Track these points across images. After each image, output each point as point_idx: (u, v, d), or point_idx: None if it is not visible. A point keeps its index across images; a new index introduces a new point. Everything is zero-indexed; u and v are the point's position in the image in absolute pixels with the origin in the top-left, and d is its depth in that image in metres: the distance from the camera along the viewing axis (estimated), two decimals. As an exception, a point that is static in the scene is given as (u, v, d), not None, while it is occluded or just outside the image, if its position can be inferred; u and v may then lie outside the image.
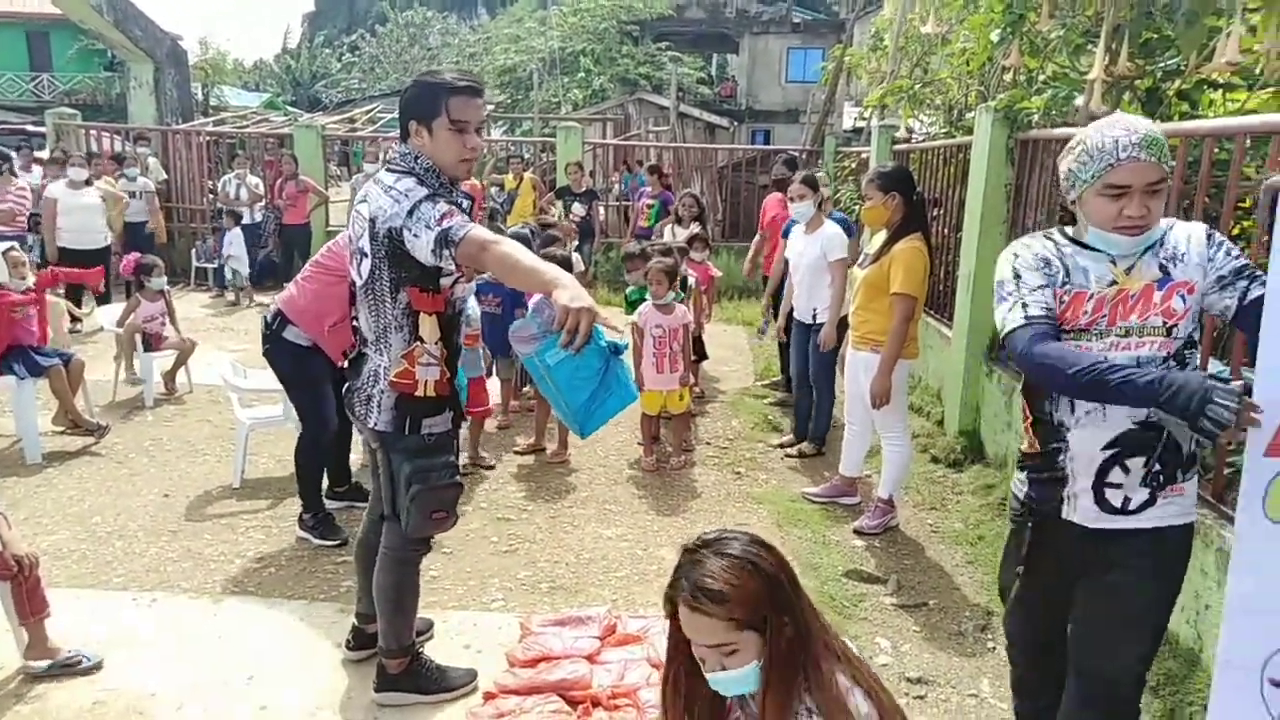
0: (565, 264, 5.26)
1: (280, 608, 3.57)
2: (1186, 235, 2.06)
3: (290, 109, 23.88)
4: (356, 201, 2.75)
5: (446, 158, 2.60)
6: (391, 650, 2.93)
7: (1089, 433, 2.08)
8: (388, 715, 2.92)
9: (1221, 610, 2.82)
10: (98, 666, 3.10)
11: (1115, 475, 2.08)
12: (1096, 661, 2.18)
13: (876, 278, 4.21)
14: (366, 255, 2.62)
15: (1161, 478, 2.06)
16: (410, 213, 2.45)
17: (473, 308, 4.60)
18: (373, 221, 2.57)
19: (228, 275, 10.11)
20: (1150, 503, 2.08)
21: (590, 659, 3.14)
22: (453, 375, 2.78)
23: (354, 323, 2.82)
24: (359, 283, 2.70)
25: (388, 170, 2.65)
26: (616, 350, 2.38)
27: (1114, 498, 2.09)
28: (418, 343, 2.66)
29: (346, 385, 2.86)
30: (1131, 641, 2.16)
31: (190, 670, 3.12)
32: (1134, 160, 1.95)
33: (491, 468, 5.13)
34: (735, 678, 1.66)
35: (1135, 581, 2.11)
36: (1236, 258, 2.02)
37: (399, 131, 2.68)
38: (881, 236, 4.29)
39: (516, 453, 5.38)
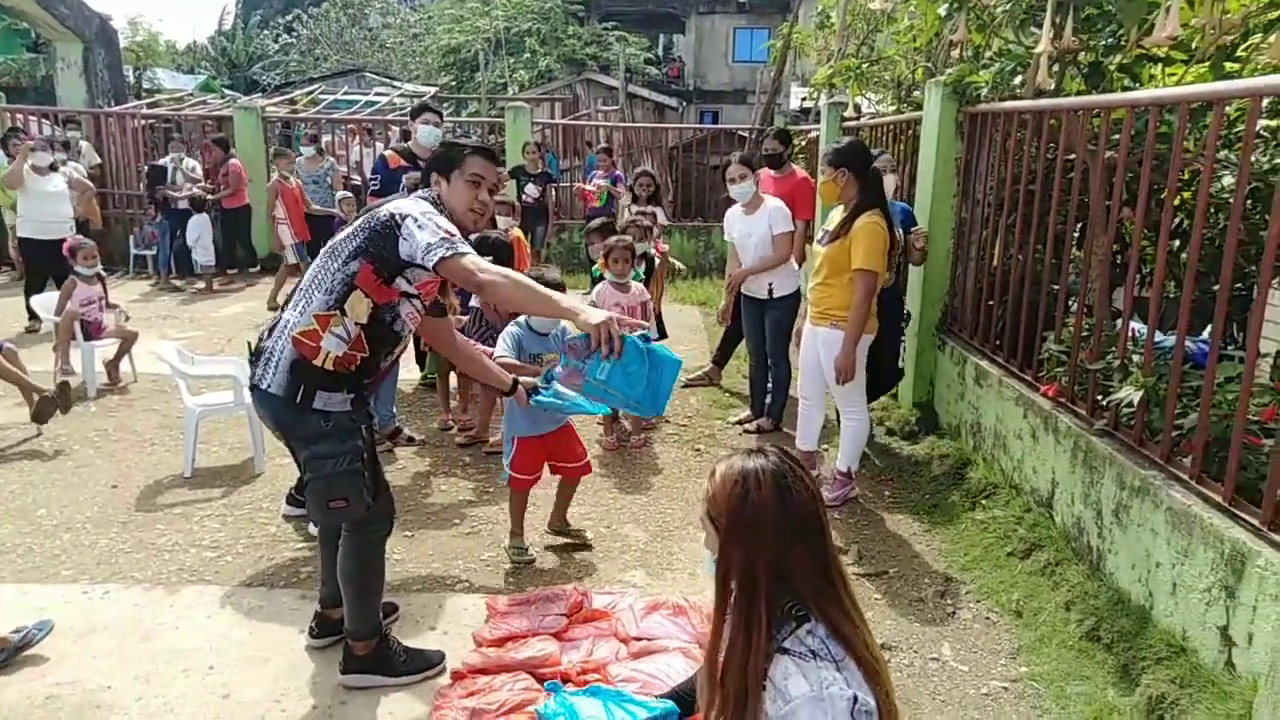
0: (504, 247, 5.15)
1: (239, 596, 3.50)
2: None
3: (228, 91, 23.18)
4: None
5: (459, 205, 2.78)
6: (359, 633, 2.90)
7: None
8: (354, 699, 2.88)
9: (1171, 569, 2.92)
10: (49, 632, 3.09)
11: None
12: None
13: (837, 254, 4.24)
14: (349, 224, 2.76)
15: None
16: (424, 213, 2.63)
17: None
18: (381, 209, 2.70)
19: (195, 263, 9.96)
20: None
21: (558, 636, 3.15)
22: (367, 379, 2.79)
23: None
24: (326, 247, 2.76)
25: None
26: (646, 339, 2.51)
27: None
28: (338, 311, 2.64)
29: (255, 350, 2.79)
30: None
31: (148, 661, 3.05)
32: None
33: (487, 443, 5.02)
34: (707, 553, 1.71)
35: None
36: None
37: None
38: (839, 213, 4.32)
39: (459, 445, 5.19)
